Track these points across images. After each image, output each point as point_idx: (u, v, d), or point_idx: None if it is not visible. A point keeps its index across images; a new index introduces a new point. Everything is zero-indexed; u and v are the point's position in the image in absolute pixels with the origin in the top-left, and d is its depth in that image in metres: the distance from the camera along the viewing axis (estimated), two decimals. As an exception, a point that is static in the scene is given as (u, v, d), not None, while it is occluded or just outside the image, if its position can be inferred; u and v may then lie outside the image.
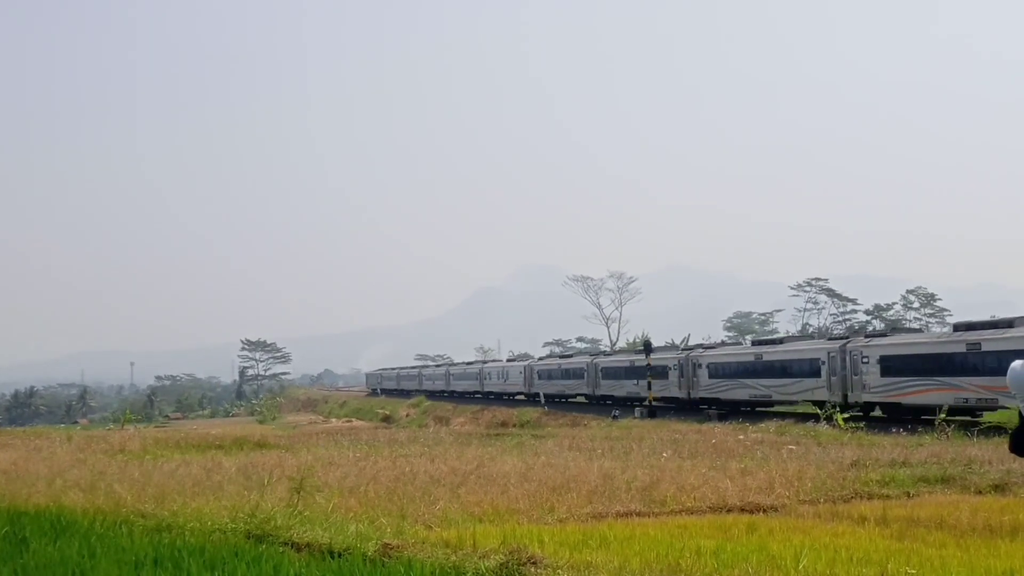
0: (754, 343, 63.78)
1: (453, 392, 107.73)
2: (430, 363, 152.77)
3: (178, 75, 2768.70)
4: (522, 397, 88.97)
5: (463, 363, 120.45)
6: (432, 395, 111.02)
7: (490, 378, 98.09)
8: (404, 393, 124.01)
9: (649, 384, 62.01)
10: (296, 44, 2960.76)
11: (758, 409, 56.90)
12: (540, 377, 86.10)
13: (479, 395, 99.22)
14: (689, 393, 60.77)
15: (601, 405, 72.19)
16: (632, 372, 68.13)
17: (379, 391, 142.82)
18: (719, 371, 58.61)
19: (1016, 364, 6.42)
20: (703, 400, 59.43)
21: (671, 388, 62.43)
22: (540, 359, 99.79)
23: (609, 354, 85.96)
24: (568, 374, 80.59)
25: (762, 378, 54.23)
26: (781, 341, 59.03)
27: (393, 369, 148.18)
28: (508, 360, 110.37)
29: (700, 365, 60.12)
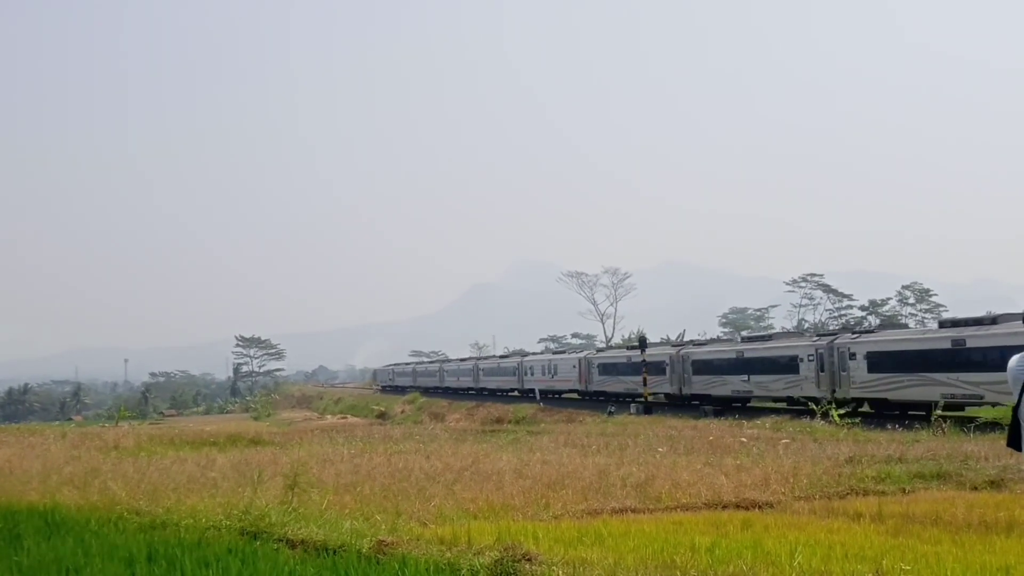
0: (943, 324, 46.19)
1: (483, 390, 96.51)
2: (452, 358, 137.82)
3: (172, 74, 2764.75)
4: (575, 396, 76.67)
5: (496, 357, 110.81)
6: (455, 393, 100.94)
7: (532, 373, 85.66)
8: (421, 391, 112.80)
9: (644, 380, 61.49)
10: (289, 44, 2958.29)
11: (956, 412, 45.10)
12: (601, 372, 72.24)
13: (516, 393, 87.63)
14: (834, 390, 47.14)
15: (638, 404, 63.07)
16: (739, 365, 55.34)
17: (387, 388, 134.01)
18: (887, 363, 44.65)
19: (1014, 359, 6.35)
20: (858, 399, 45.65)
21: (804, 385, 49.33)
22: (599, 351, 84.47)
23: (702, 343, 68.84)
24: (643, 369, 64.93)
25: (964, 372, 40.03)
26: (995, 320, 41.81)
27: (408, 364, 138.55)
28: (554, 352, 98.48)
29: (854, 355, 46.54)
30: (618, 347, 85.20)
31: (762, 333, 59.59)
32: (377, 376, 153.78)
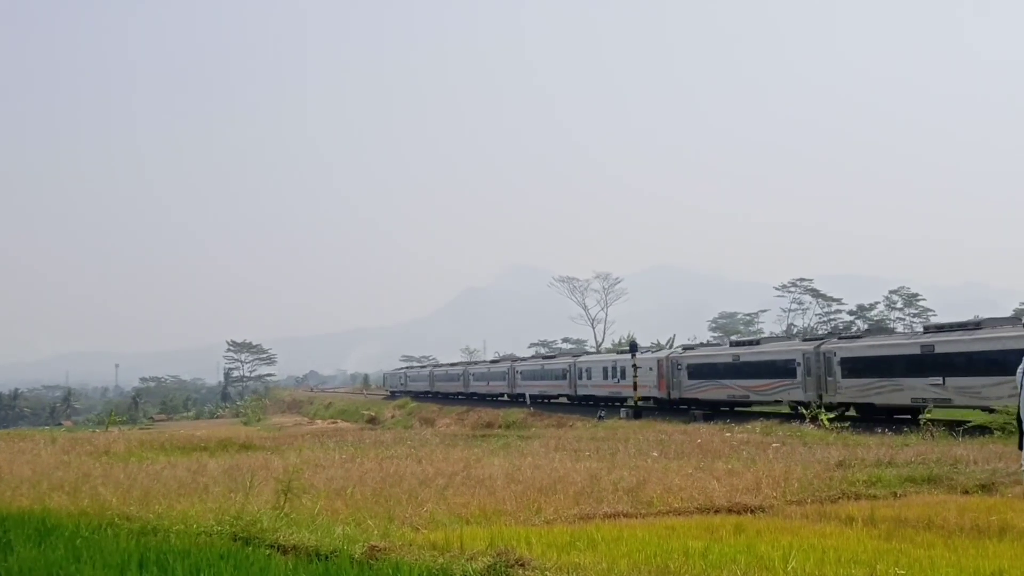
0: None
1: (520, 397, 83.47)
2: (481, 359, 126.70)
3: (174, 73, 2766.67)
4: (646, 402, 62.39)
5: (538, 358, 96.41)
6: (484, 400, 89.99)
7: (588, 377, 72.39)
8: (441, 397, 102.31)
9: (635, 385, 61.17)
10: (294, 41, 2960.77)
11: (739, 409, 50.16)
12: (693, 375, 58.89)
13: (564, 400, 76.03)
14: None
15: (676, 411, 58.23)
16: (926, 364, 42.01)
17: (397, 394, 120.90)
18: None
19: None
20: None
21: None
22: (686, 347, 68.30)
23: (852, 336, 53.78)
24: (760, 370, 53.72)
25: None
26: None
27: (424, 367, 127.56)
28: (621, 352, 79.44)
29: None
30: (876, 331, 66.27)
31: (963, 320, 44.09)
32: (386, 380, 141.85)
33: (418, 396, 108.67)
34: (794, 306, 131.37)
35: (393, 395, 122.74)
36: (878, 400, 44.34)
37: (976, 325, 42.18)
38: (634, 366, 61.97)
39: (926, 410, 41.41)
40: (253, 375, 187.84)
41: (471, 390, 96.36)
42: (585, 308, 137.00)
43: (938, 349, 41.65)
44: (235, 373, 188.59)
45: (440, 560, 10.30)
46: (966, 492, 18.49)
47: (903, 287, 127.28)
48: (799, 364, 49.95)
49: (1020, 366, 6.60)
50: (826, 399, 47.05)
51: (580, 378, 74.04)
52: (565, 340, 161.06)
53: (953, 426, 35.16)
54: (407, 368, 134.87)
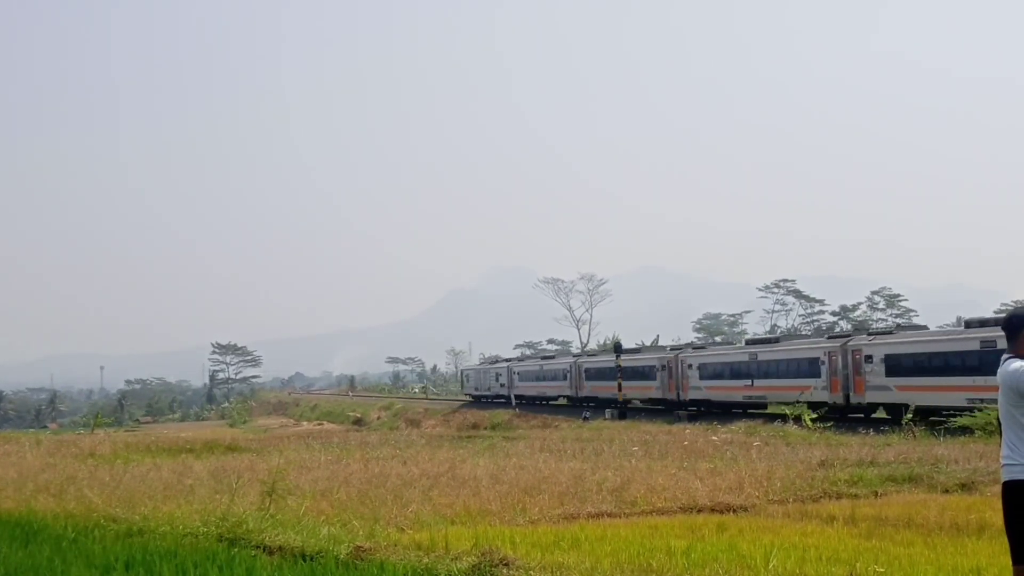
0: None
1: (710, 405, 55.23)
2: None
3: (157, 76, 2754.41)
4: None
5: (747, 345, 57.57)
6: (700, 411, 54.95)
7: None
8: (592, 405, 66.01)
9: (619, 385, 61.20)
10: (276, 44, 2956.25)
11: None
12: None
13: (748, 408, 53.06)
14: None
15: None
16: None
17: (489, 400, 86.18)
18: None
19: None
20: None
21: None
22: (907, 326, 53.31)
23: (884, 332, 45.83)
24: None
25: None
26: None
27: (547, 358, 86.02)
28: (818, 335, 63.55)
29: None
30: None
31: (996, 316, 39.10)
32: (466, 380, 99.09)
33: (534, 403, 77.33)
34: (777, 307, 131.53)
35: (478, 401, 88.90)
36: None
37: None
38: (618, 366, 62.00)
39: None
40: (238, 377, 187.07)
41: (695, 395, 58.55)
42: (570, 309, 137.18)
43: None
44: (220, 375, 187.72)
45: (425, 560, 10.37)
46: (946, 491, 18.64)
47: (885, 288, 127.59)
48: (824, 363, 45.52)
49: (1000, 366, 6.66)
50: (854, 400, 44.20)
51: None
52: (551, 341, 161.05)
53: (935, 426, 35.38)
54: (510, 361, 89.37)
